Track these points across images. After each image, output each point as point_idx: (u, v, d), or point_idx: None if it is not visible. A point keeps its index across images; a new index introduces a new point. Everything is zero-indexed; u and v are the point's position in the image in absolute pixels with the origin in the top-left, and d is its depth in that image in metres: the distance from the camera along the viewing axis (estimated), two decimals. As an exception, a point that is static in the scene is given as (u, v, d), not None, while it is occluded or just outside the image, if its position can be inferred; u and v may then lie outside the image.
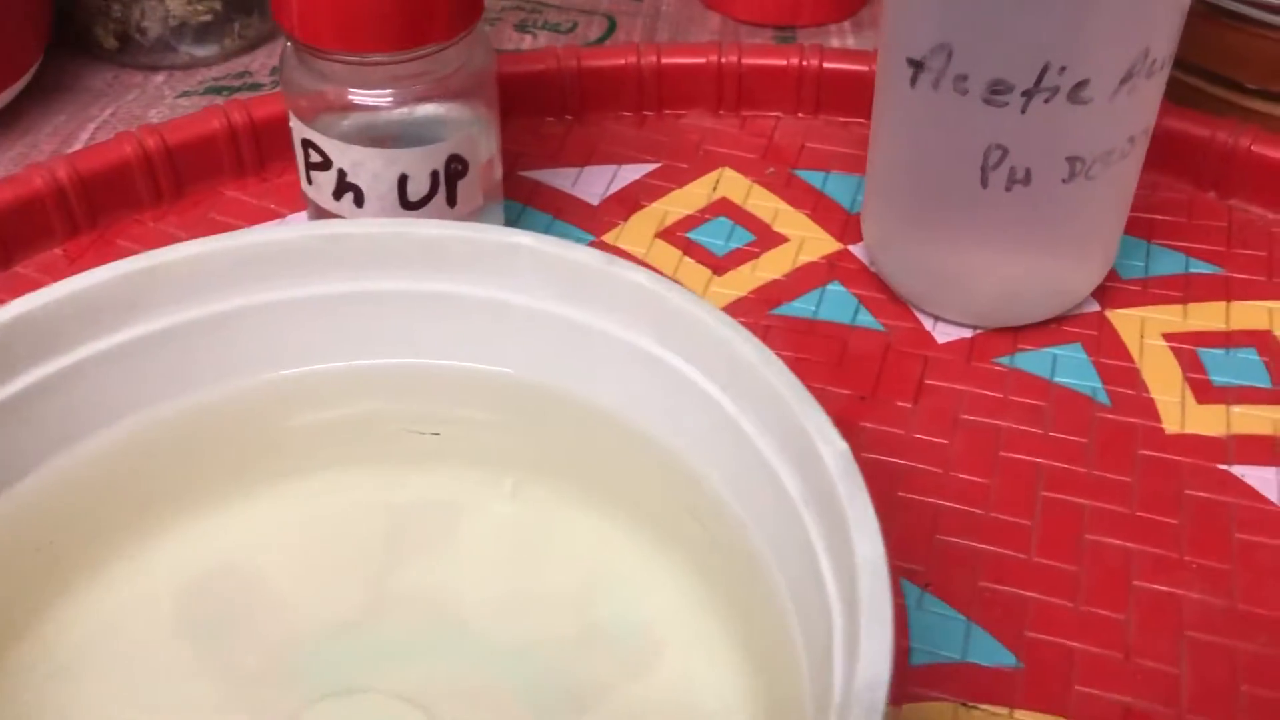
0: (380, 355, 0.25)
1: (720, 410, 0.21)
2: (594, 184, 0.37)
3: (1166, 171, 0.35)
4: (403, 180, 0.30)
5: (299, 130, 0.30)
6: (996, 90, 0.26)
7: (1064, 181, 0.28)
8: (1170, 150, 0.35)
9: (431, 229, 0.24)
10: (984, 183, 0.28)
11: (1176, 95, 0.36)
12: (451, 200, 0.31)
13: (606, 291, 0.23)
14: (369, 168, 0.29)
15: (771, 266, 0.34)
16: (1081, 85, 0.26)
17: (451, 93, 0.30)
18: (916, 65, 0.27)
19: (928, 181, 0.29)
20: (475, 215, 0.32)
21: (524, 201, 0.36)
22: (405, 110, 0.30)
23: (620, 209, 0.36)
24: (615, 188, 0.37)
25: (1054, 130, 0.27)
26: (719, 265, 0.34)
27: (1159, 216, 0.35)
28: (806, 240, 0.35)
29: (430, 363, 0.25)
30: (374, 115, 0.30)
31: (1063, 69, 0.26)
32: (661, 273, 0.33)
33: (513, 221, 0.35)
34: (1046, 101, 0.26)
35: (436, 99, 0.30)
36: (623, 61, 0.38)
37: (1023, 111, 0.27)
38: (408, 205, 0.30)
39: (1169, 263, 0.33)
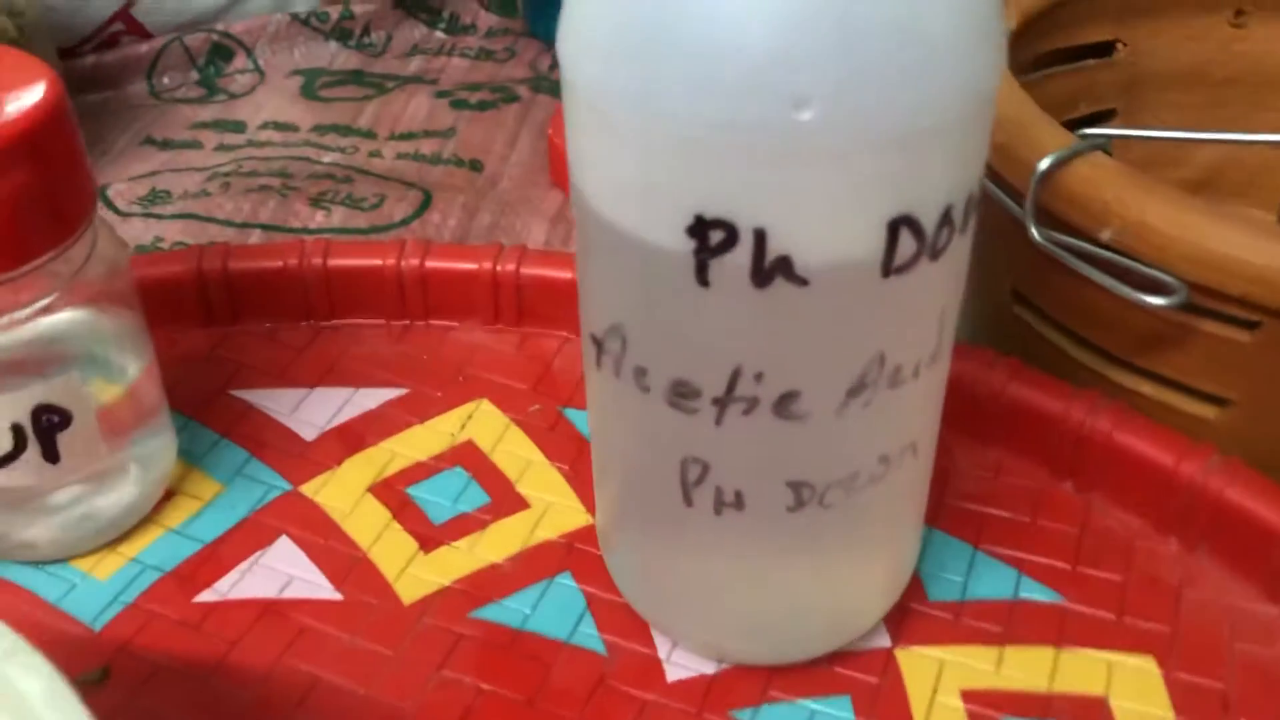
0: None
1: None
2: (319, 411, 0.30)
3: (1016, 449, 0.28)
4: (-27, 435, 0.23)
5: None
6: (681, 394, 0.19)
7: (790, 510, 0.21)
8: (1021, 424, 0.28)
9: None
10: (688, 500, 0.21)
11: (1035, 354, 0.28)
12: (51, 456, 0.24)
13: None
14: (-74, 418, 0.23)
15: (497, 544, 0.27)
16: (790, 398, 0.19)
17: (63, 312, 0.24)
18: (597, 344, 0.21)
19: (633, 484, 0.22)
20: (104, 463, 0.25)
21: (223, 431, 0.29)
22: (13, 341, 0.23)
23: (339, 447, 0.29)
24: (343, 418, 0.30)
25: (763, 450, 0.20)
26: (432, 537, 0.27)
27: (996, 511, 0.27)
28: (551, 508, 0.28)
29: None
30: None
31: (759, 376, 0.19)
32: (357, 545, 0.27)
33: (196, 458, 0.29)
34: (746, 414, 0.19)
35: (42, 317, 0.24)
36: (379, 262, 0.32)
37: (717, 423, 0.20)
38: (-13, 463, 0.24)
39: (996, 581, 0.26)
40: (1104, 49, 0.36)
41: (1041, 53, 0.35)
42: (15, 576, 0.26)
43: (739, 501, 0.21)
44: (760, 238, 0.17)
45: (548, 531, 0.27)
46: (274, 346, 0.32)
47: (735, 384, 0.19)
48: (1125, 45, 0.36)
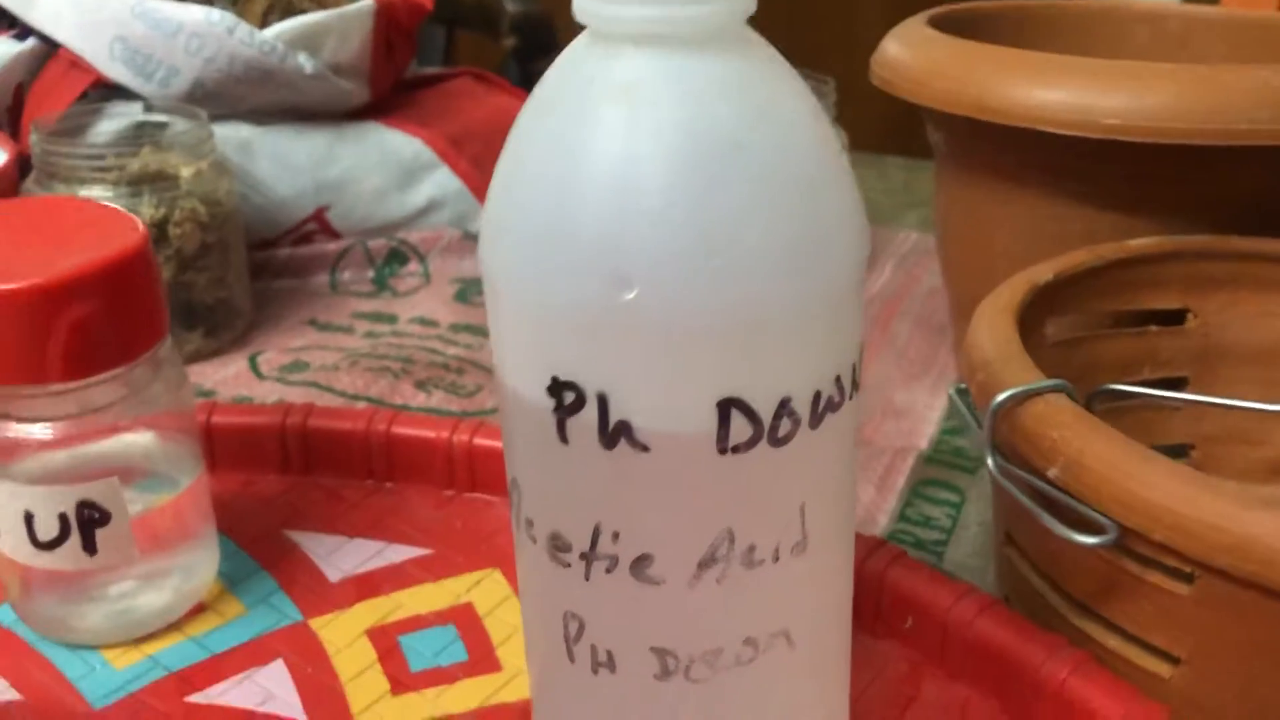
0: None
1: None
2: (350, 559, 0.33)
3: (982, 689, 0.27)
4: (29, 518, 0.28)
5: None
6: (557, 546, 0.21)
7: (657, 678, 0.22)
8: (985, 663, 0.27)
9: None
10: (570, 656, 0.22)
11: (1023, 599, 0.28)
12: (89, 548, 0.28)
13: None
14: (-4, 497, 0.28)
15: (459, 698, 0.29)
16: (644, 561, 0.20)
17: (120, 428, 0.28)
18: (512, 492, 0.23)
19: (534, 639, 0.24)
20: (142, 567, 0.29)
21: (265, 562, 0.33)
22: (81, 445, 0.28)
23: (354, 592, 0.32)
24: (368, 567, 0.33)
25: (626, 610, 0.21)
26: (404, 683, 0.29)
27: (942, 746, 0.27)
28: (520, 675, 0.29)
29: None
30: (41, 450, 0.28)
31: (616, 535, 0.20)
32: (338, 677, 0.29)
33: (234, 582, 0.32)
34: (609, 572, 0.21)
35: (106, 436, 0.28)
36: (434, 435, 0.35)
37: (586, 578, 0.21)
38: (37, 545, 0.28)
39: (920, 813, 0.25)
40: (1173, 316, 0.36)
41: (1104, 311, 0.36)
42: (50, 654, 0.30)
43: (611, 662, 0.22)
44: (603, 401, 0.19)
45: (510, 695, 0.29)
46: (333, 499, 0.35)
47: (597, 540, 0.21)
48: (1196, 316, 0.36)
